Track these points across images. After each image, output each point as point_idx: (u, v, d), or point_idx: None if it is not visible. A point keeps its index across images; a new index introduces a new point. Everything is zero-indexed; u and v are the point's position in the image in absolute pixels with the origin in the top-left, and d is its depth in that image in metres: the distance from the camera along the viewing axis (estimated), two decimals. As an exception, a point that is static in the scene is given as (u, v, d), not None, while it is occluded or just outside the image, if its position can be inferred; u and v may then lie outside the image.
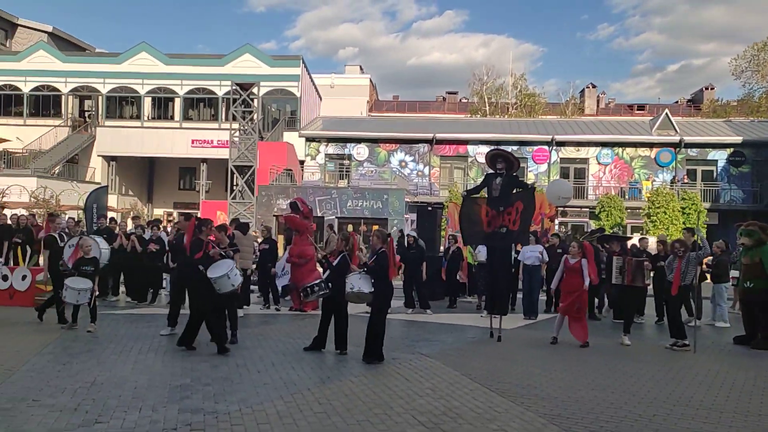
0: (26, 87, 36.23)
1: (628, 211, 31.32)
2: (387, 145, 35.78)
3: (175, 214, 35.99)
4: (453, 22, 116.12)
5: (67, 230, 12.67)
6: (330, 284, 8.00)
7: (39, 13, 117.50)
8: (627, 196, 33.14)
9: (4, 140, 34.48)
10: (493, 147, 33.19)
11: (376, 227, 23.04)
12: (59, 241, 10.30)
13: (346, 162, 35.79)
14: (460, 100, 62.69)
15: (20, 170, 30.66)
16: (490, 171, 10.23)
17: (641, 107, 58.63)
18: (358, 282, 7.48)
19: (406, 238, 12.87)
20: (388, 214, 27.78)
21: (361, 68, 61.76)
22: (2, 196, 15.87)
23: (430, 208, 17.51)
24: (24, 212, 14.89)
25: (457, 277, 13.87)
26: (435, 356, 8.08)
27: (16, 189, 25.70)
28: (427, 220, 16.00)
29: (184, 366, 7.06)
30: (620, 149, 34.35)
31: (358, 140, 35.77)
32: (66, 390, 5.81)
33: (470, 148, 35.05)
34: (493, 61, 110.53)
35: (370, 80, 58.83)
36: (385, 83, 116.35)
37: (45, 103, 36.78)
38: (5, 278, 11.18)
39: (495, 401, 5.98)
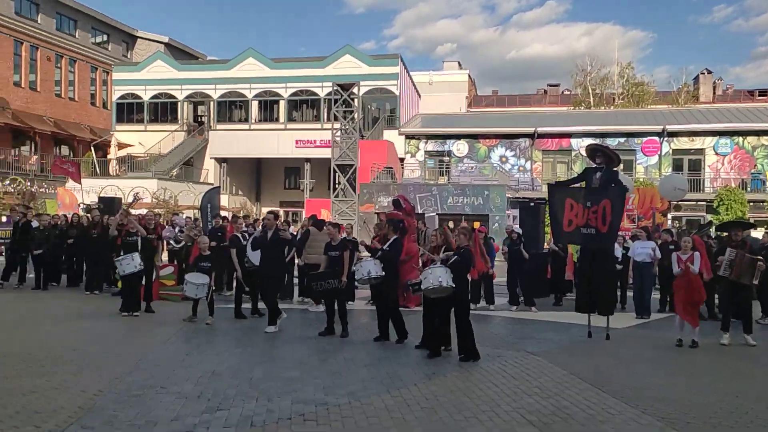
0: (146, 95, 38.87)
1: (751, 204, 29.18)
2: (487, 140, 35.36)
3: (281, 213, 37.39)
4: (555, 12, 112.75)
5: (184, 229, 13.52)
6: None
7: (156, 24, 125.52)
8: (749, 188, 30.89)
9: (128, 145, 37.25)
10: (597, 139, 32.14)
11: (477, 223, 22.83)
12: (242, 240, 10.77)
13: (446, 159, 35.71)
14: (563, 92, 60.78)
15: (142, 173, 32.92)
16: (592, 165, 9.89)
17: (763, 93, 54.29)
18: (444, 275, 7.41)
19: (510, 234, 12.67)
20: (489, 210, 27.47)
21: (459, 64, 61.31)
22: (136, 199, 17.13)
23: (532, 204, 17.14)
24: (142, 212, 15.93)
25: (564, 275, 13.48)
26: (541, 354, 7.92)
27: (138, 191, 27.64)
28: (530, 216, 15.66)
29: (294, 358, 7.34)
30: (741, 138, 32.06)
31: (458, 136, 35.60)
32: (189, 379, 6.21)
33: (574, 141, 33.97)
34: (598, 51, 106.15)
35: (469, 76, 58.28)
36: (484, 78, 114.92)
37: (163, 110, 39.30)
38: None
39: (608, 402, 5.79)
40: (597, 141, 33.09)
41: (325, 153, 32.37)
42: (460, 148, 35.39)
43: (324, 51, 33.48)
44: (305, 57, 38.54)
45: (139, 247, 10.32)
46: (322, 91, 36.11)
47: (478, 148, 35.35)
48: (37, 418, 4.86)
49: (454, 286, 7.32)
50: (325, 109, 36.02)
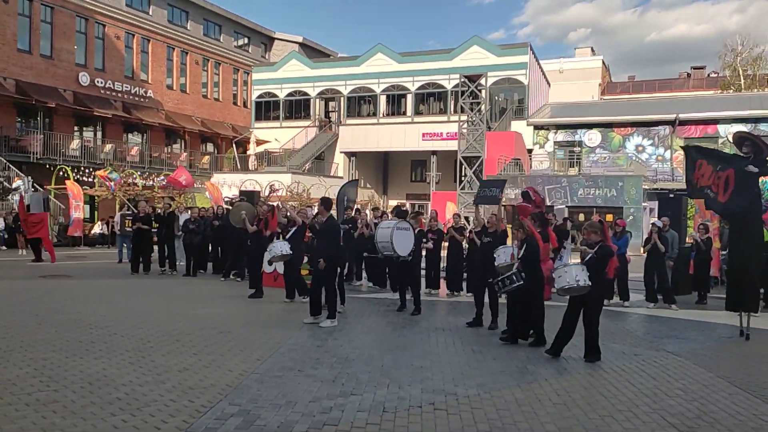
0: (282, 93, 40.87)
1: None
2: (621, 129, 33.64)
3: (407, 206, 37.87)
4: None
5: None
6: (523, 275, 7.77)
7: (291, 25, 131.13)
8: None
9: (265, 141, 39.40)
10: (748, 125, 29.47)
11: (610, 216, 21.80)
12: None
13: (577, 149, 34.41)
14: (708, 75, 56.29)
15: (278, 167, 34.73)
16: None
17: None
18: (581, 274, 7.05)
19: (652, 228, 12.03)
20: (623, 203, 26.14)
21: (592, 50, 58.64)
22: (272, 191, 18.18)
23: (672, 195, 16.10)
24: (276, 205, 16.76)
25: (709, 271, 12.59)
26: (684, 355, 7.45)
27: (274, 184, 29.18)
28: (670, 209, 14.72)
29: (423, 348, 7.46)
30: None
31: (590, 125, 34.15)
32: (324, 363, 6.51)
33: (721, 128, 31.41)
34: (750, 29, 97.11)
35: (602, 62, 55.56)
36: (619, 64, 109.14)
37: (297, 107, 41.13)
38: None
39: (761, 409, 5.35)
40: (747, 127, 30.37)
41: (452, 145, 32.35)
42: (592, 137, 33.94)
43: (453, 43, 33.49)
44: (433, 50, 38.75)
45: (290, 237, 10.79)
46: (449, 83, 36.05)
47: (611, 137, 33.71)
48: (191, 393, 5.32)
49: (590, 284, 6.98)
50: (452, 102, 35.95)
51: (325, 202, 9.33)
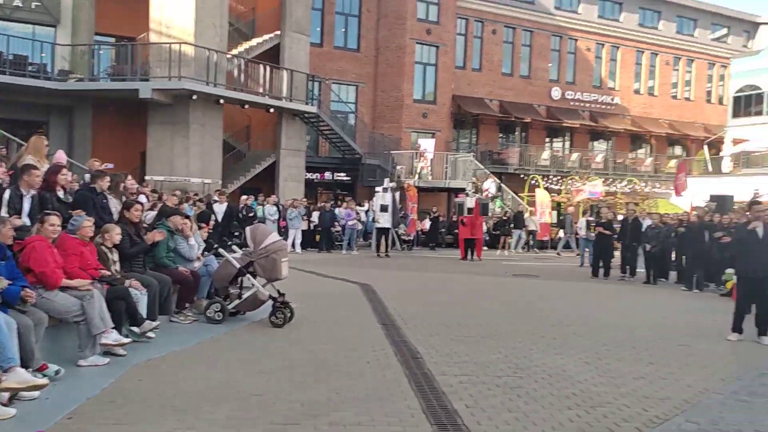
0: (767, 84, 35.80)
1: None
2: None
3: None
4: None
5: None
6: None
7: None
8: None
9: (743, 140, 35.15)
10: None
11: None
12: None
13: None
14: None
15: (759, 169, 30.62)
16: None
17: None
18: None
19: None
20: None
21: None
22: (756, 197, 16.29)
23: None
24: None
25: None
26: None
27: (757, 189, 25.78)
28: None
29: None
30: None
31: None
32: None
33: None
34: None
35: None
36: None
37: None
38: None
39: None
40: None
41: None
42: None
43: None
44: None
45: None
46: None
47: None
48: (645, 402, 5.28)
49: None
50: None
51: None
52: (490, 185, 25.35)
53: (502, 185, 26.76)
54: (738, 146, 34.85)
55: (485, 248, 21.54)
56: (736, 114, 37.29)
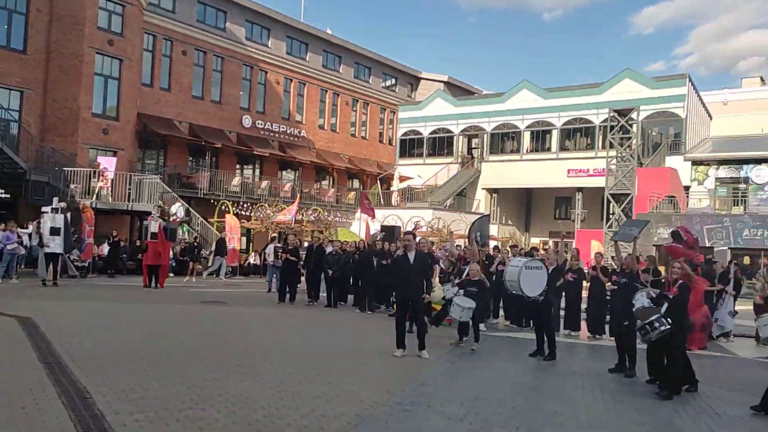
0: (426, 131, 41.74)
1: None
2: (798, 164, 30.38)
3: (550, 243, 36.74)
4: None
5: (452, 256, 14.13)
6: (669, 320, 7.21)
7: (437, 64, 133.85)
8: None
9: (408, 178, 40.32)
10: None
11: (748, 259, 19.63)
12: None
13: (742, 186, 31.52)
14: None
15: (420, 203, 35.32)
16: None
17: None
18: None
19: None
20: (799, 246, 23.46)
21: (762, 80, 53.83)
22: (415, 227, 18.60)
23: None
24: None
25: None
26: None
27: (417, 220, 29.70)
28: None
29: (558, 392, 7.17)
30: None
31: (759, 161, 31.21)
32: (454, 401, 6.48)
33: None
34: None
35: (774, 91, 50.69)
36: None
37: (440, 144, 41.74)
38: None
39: None
40: None
41: (599, 182, 31.10)
42: (760, 173, 30.96)
43: (607, 77, 32.39)
44: (580, 84, 37.61)
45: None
46: (597, 118, 34.80)
47: (785, 173, 30.54)
48: (323, 420, 5.54)
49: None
50: (600, 137, 34.61)
51: (415, 235, 9.38)
52: (178, 209, 24.46)
53: (191, 210, 26.02)
54: (404, 183, 39.84)
55: (171, 275, 20.63)
56: (402, 155, 42.65)
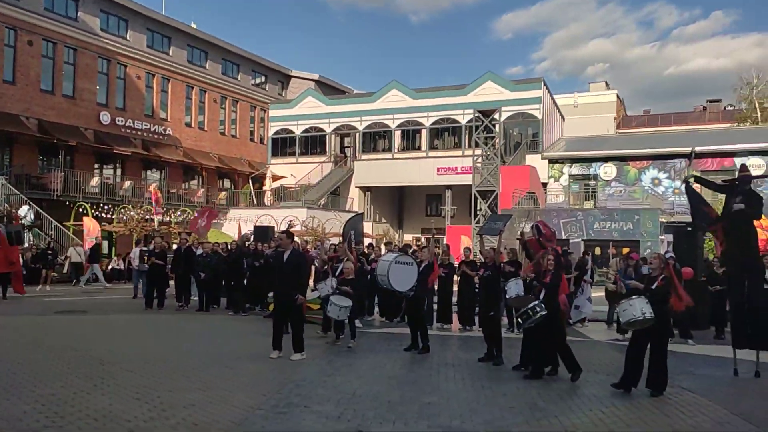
0: (298, 130, 41.39)
1: None
2: (637, 162, 33.52)
3: (423, 240, 37.86)
4: (721, 24, 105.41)
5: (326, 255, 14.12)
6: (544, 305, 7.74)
7: (308, 63, 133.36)
8: None
9: (281, 177, 39.79)
10: (766, 158, 29.34)
11: (626, 250, 21.59)
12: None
13: (592, 182, 34.29)
14: (724, 108, 56.16)
15: (293, 203, 34.96)
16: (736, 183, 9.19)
17: None
18: (646, 307, 7.00)
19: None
20: (639, 236, 25.86)
21: (606, 84, 58.94)
22: (290, 226, 18.30)
23: (689, 228, 15.90)
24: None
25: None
26: (699, 391, 7.30)
27: (291, 219, 29.37)
28: (686, 242, 14.53)
29: (432, 384, 7.38)
30: None
31: (605, 159, 34.10)
32: (330, 400, 6.46)
33: (738, 160, 31.14)
34: None
35: (617, 96, 55.74)
36: (636, 98, 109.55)
37: (313, 143, 41.56)
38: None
39: (775, 449, 5.21)
40: (765, 160, 30.30)
41: (467, 180, 32.41)
42: (607, 171, 33.84)
43: (470, 79, 33.86)
44: (447, 86, 38.99)
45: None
46: (464, 118, 36.29)
47: (627, 170, 33.58)
48: (195, 429, 5.31)
49: (654, 317, 7.00)
50: (467, 136, 36.14)
51: (290, 234, 9.28)
52: (27, 213, 22.47)
53: (42, 213, 23.97)
54: (277, 182, 39.24)
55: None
56: (275, 153, 41.98)
